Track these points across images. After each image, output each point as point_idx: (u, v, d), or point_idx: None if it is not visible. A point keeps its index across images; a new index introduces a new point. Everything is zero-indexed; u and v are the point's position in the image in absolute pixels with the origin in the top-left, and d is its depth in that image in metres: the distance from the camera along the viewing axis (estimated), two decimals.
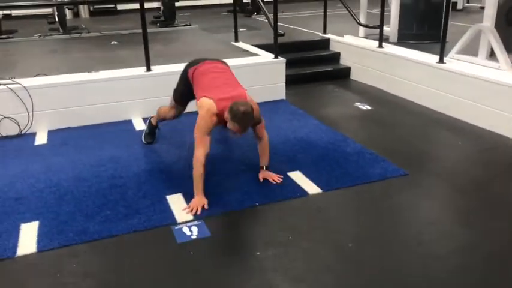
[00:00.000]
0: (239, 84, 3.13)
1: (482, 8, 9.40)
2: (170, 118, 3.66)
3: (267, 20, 5.48)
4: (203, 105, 2.90)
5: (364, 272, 2.26)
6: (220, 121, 2.92)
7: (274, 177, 3.13)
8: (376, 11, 7.06)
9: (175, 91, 3.49)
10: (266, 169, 3.17)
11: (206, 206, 2.82)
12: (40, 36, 6.88)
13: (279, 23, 5.08)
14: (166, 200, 2.94)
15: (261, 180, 3.13)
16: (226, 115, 2.78)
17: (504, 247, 2.44)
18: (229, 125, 2.81)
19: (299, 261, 2.34)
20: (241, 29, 6.17)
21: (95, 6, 10.01)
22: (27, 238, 2.57)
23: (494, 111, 3.93)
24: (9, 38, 6.83)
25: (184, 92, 3.36)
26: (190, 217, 2.74)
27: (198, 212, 2.76)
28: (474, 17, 8.09)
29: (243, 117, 2.73)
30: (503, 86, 3.85)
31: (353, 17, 6.00)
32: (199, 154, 2.83)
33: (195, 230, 2.62)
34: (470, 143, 3.82)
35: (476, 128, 4.07)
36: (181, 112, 3.61)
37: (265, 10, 5.50)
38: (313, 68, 5.95)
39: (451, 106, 4.35)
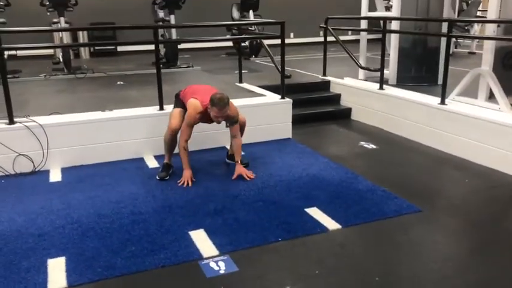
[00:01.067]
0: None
1: (470, 53, 9.89)
2: (173, 132, 3.92)
3: (272, 63, 5.69)
4: (191, 105, 3.76)
5: None
6: (204, 117, 3.77)
7: (249, 174, 3.90)
8: (370, 54, 7.39)
9: (175, 105, 4.06)
10: (241, 163, 3.96)
11: (193, 178, 3.83)
12: (45, 76, 7.00)
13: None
14: (189, 235, 2.99)
15: (233, 178, 3.88)
16: (209, 106, 3.64)
17: None
18: (211, 112, 3.64)
19: None
20: (242, 71, 6.36)
21: (96, 48, 10.23)
22: (56, 273, 2.59)
23: (497, 151, 4.10)
24: (14, 77, 6.92)
25: (182, 103, 3.98)
26: (216, 252, 2.79)
27: (190, 185, 3.75)
28: (464, 61, 8.49)
29: (218, 101, 3.58)
30: (505, 127, 4.03)
31: (354, 60, 6.25)
32: (182, 140, 3.78)
33: (222, 265, 2.67)
34: (476, 180, 3.96)
35: (480, 166, 4.23)
36: (181, 121, 3.89)
37: (271, 53, 5.71)
38: (315, 108, 6.13)
39: (454, 145, 4.52)
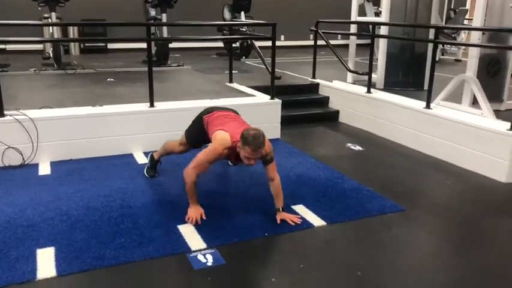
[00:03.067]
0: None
1: (456, 60, 10.08)
2: (177, 153, 3.78)
3: (262, 64, 5.77)
4: (217, 137, 3.07)
5: None
6: (231, 154, 3.07)
7: (294, 219, 3.14)
8: (359, 59, 7.51)
9: (190, 133, 3.59)
10: (282, 210, 3.19)
11: (204, 216, 3.10)
12: (35, 70, 6.99)
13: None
14: (177, 229, 3.04)
15: (279, 222, 3.12)
16: (239, 144, 2.94)
17: (497, 277, 2.64)
18: (241, 152, 2.92)
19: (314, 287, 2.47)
20: (232, 71, 6.42)
21: (86, 44, 10.21)
22: (45, 263, 2.62)
23: (479, 155, 4.22)
24: (3, 71, 6.90)
25: (199, 136, 3.47)
26: (203, 245, 2.84)
27: (199, 222, 3.01)
28: (450, 68, 8.66)
29: (253, 140, 2.86)
30: (487, 132, 4.15)
31: (343, 63, 6.36)
32: (192, 172, 3.02)
33: (209, 257, 2.73)
34: (458, 183, 4.07)
35: (462, 169, 4.34)
36: (189, 149, 3.71)
37: (261, 54, 5.79)
38: (303, 110, 6.22)
39: (438, 149, 4.63)
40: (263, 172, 4.05)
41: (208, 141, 3.28)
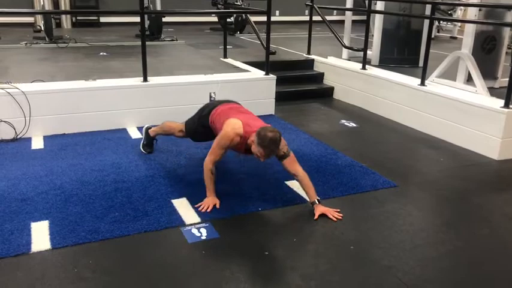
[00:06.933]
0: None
1: (452, 37, 10.04)
2: (177, 137, 3.74)
3: (258, 40, 5.69)
4: (230, 124, 2.97)
5: (367, 271, 2.44)
6: (241, 145, 2.97)
7: (334, 214, 2.95)
8: (355, 35, 7.45)
9: (190, 126, 3.50)
10: (319, 203, 3.00)
11: (218, 206, 3.01)
12: (26, 44, 6.89)
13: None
14: (171, 203, 3.06)
15: (316, 217, 2.92)
16: (253, 138, 2.84)
17: (486, 251, 2.69)
18: (254, 148, 2.84)
19: (307, 261, 2.50)
20: (227, 47, 6.36)
21: (78, 18, 10.05)
22: (40, 236, 2.63)
23: (472, 132, 4.24)
24: None
25: (199, 132, 3.44)
26: (197, 219, 2.86)
27: (209, 209, 2.94)
28: (445, 45, 8.62)
29: (269, 144, 2.76)
30: (481, 109, 4.16)
31: (339, 40, 6.30)
32: (209, 160, 3.01)
33: (203, 231, 2.75)
34: (451, 159, 4.10)
35: (455, 146, 4.37)
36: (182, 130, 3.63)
37: (256, 29, 5.72)
38: (297, 86, 6.19)
39: (431, 126, 4.65)
40: None
41: (211, 137, 3.23)
